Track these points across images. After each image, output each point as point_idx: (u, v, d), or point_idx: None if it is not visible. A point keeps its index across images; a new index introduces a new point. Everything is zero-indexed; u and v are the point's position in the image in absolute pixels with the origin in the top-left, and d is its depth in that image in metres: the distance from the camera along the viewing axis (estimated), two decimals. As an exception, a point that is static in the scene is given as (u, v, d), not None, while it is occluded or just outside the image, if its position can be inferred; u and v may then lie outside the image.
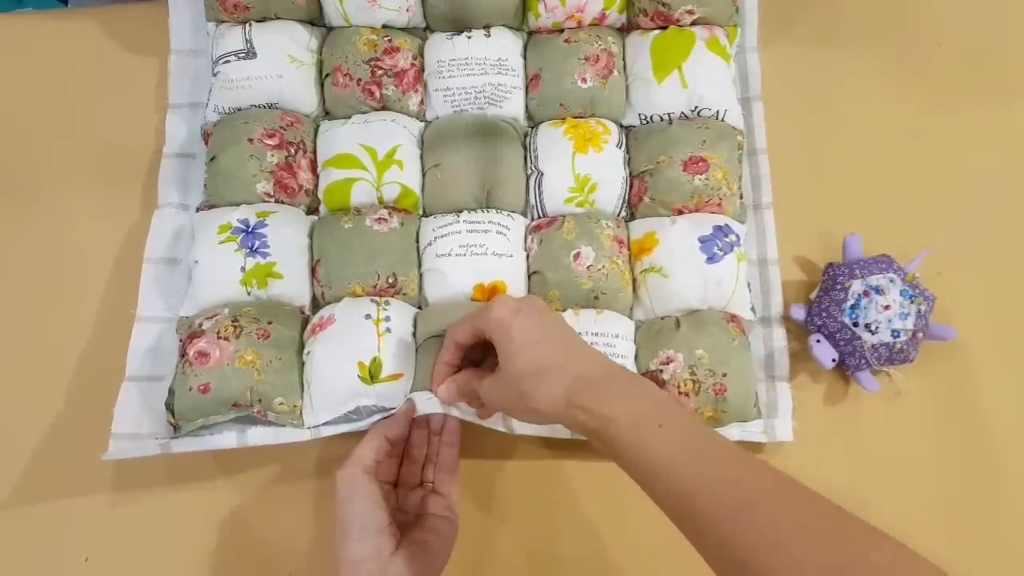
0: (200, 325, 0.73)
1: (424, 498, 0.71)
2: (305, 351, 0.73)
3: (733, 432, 0.74)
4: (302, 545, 0.74)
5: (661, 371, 0.72)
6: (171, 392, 0.72)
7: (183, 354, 0.72)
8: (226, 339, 0.71)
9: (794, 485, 0.53)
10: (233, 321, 0.72)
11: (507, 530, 0.75)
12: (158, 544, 0.75)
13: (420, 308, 0.77)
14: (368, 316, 0.73)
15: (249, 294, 0.75)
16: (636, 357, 0.74)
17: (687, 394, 0.71)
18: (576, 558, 0.74)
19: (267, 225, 0.76)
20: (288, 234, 0.76)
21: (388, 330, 0.73)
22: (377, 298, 0.75)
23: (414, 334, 0.74)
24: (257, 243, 0.75)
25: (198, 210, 0.80)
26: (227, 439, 0.71)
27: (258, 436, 0.72)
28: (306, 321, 0.76)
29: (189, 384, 0.70)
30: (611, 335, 0.73)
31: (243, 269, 0.75)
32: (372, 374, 0.71)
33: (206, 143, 0.81)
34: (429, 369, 0.70)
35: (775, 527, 0.50)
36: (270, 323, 0.73)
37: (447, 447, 0.72)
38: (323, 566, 0.74)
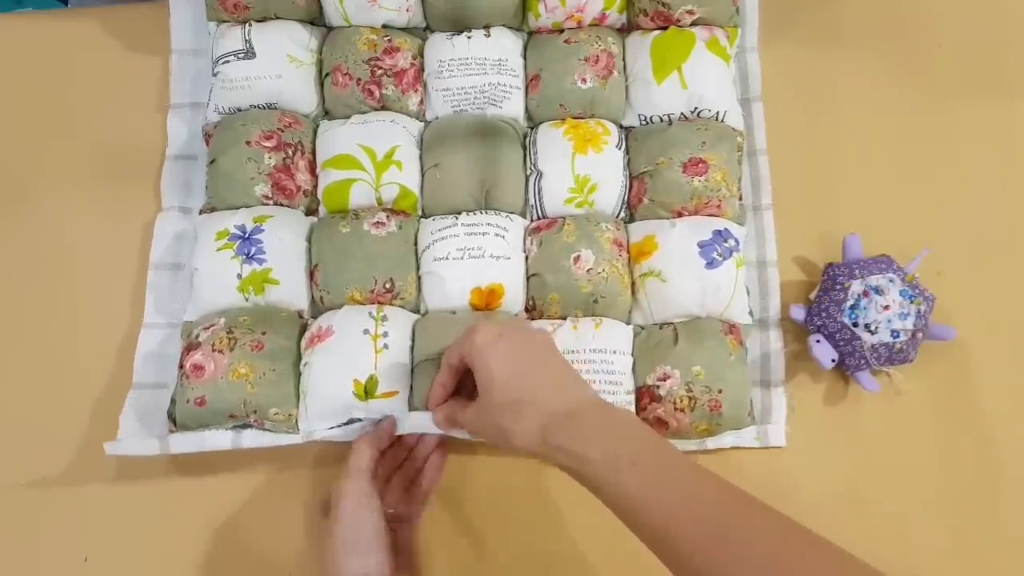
0: (197, 336, 0.73)
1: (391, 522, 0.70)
2: (303, 362, 0.73)
3: (726, 439, 0.74)
4: (302, 543, 0.75)
5: (658, 387, 0.72)
6: (173, 402, 0.73)
7: (181, 365, 0.73)
8: (220, 352, 0.72)
9: (767, 513, 0.54)
10: (228, 333, 0.72)
11: (502, 529, 0.75)
12: (158, 543, 0.75)
13: (419, 312, 0.78)
14: (366, 331, 0.73)
15: (247, 300, 0.75)
16: (634, 369, 0.74)
17: (683, 410, 0.72)
18: (572, 558, 0.75)
19: (264, 231, 0.76)
20: (285, 238, 0.76)
21: (386, 346, 0.73)
22: (375, 311, 0.75)
23: (412, 345, 0.75)
24: (253, 249, 0.75)
25: (200, 212, 0.80)
26: (222, 440, 0.72)
27: (252, 438, 0.73)
28: (304, 327, 0.76)
29: (187, 396, 0.71)
30: (609, 351, 0.73)
31: (240, 276, 0.75)
32: (368, 391, 0.72)
33: (207, 144, 0.81)
34: (425, 389, 0.71)
35: (748, 560, 0.51)
36: (264, 333, 0.73)
37: (428, 482, 0.73)
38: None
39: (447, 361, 0.67)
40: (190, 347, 0.73)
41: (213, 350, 0.72)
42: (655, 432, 0.61)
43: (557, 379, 0.63)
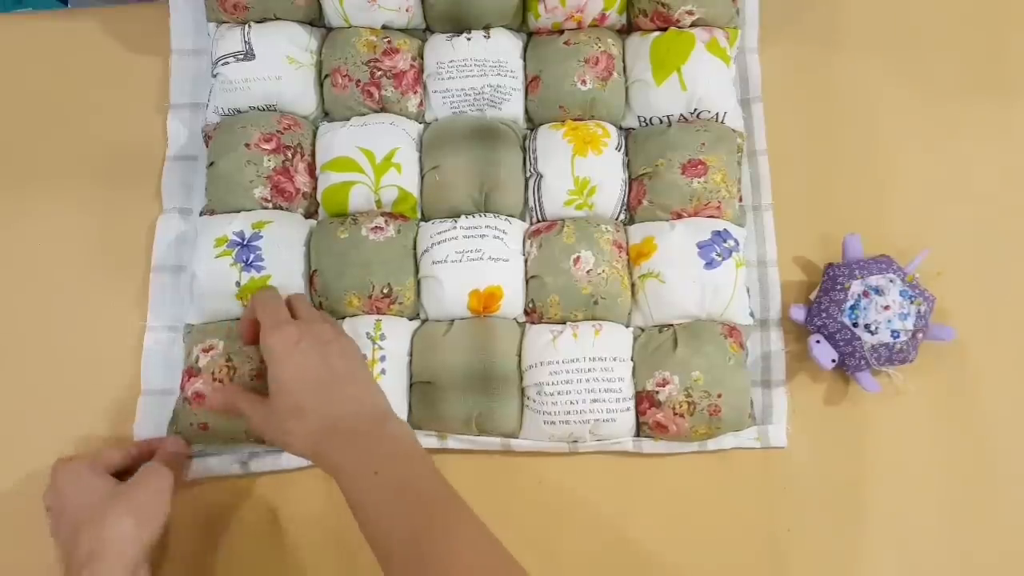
0: (197, 360, 0.74)
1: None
2: None
3: (727, 440, 0.75)
4: (301, 542, 0.75)
5: (657, 392, 0.73)
6: (175, 417, 0.75)
7: (183, 388, 0.74)
8: (221, 382, 0.73)
9: (466, 529, 0.60)
10: (227, 361, 0.73)
11: (506, 529, 0.75)
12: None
13: (418, 317, 0.78)
14: (363, 357, 0.73)
15: (245, 308, 0.75)
16: (634, 374, 0.74)
17: (682, 415, 0.72)
18: (574, 558, 0.75)
19: (262, 237, 0.76)
20: (283, 244, 0.76)
21: (383, 372, 0.74)
22: (372, 329, 0.75)
23: (410, 355, 0.75)
24: (251, 256, 0.75)
25: (201, 214, 0.80)
26: (231, 467, 0.76)
27: (259, 464, 0.75)
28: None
29: (190, 420, 0.74)
30: (609, 359, 0.73)
31: (238, 284, 0.75)
32: None
33: (207, 145, 0.81)
34: (423, 412, 0.74)
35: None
36: (263, 360, 0.73)
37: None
38: (323, 560, 0.74)
39: (247, 318, 0.71)
40: (191, 372, 0.74)
41: (214, 379, 0.73)
42: (417, 446, 0.65)
43: (344, 388, 0.66)
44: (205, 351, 0.74)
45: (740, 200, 0.80)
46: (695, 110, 0.80)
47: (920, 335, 0.74)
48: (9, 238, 0.83)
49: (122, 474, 0.71)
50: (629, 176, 0.80)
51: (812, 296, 0.77)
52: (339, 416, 0.64)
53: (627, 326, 0.77)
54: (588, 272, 0.75)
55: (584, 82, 0.80)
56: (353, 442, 0.63)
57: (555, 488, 0.76)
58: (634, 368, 0.74)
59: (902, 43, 0.87)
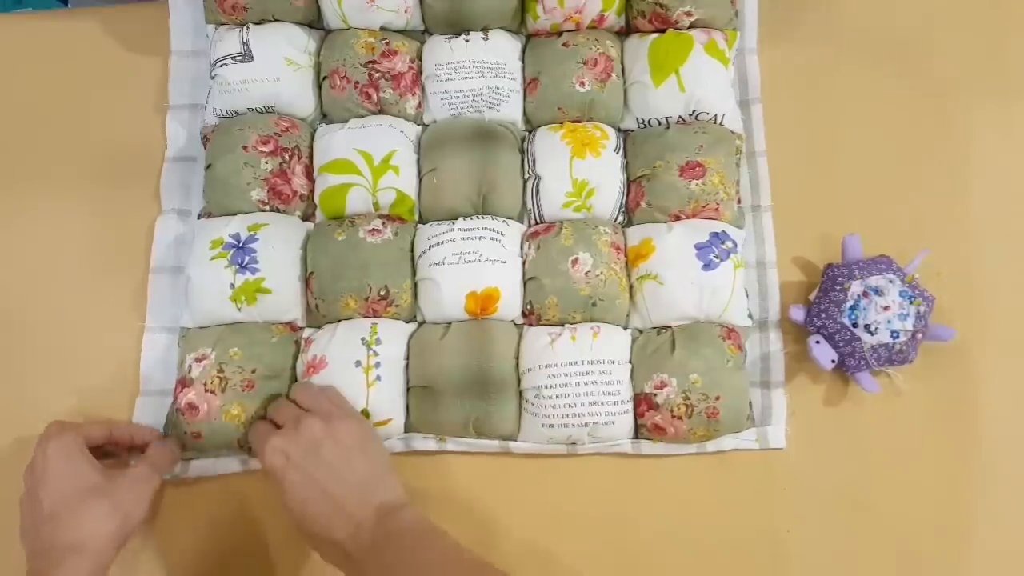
0: (189, 370, 0.74)
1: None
2: None
3: (726, 442, 0.75)
4: (301, 539, 0.75)
5: (655, 395, 0.73)
6: (168, 425, 0.75)
7: (175, 397, 0.74)
8: (212, 392, 0.73)
9: None
10: (219, 371, 0.73)
11: (505, 531, 0.75)
12: (158, 543, 0.76)
13: (415, 319, 0.78)
14: (358, 363, 0.74)
15: (240, 311, 0.76)
16: (632, 376, 0.74)
17: (680, 417, 0.72)
18: (574, 559, 0.75)
19: (258, 239, 0.76)
20: (279, 247, 0.76)
21: (378, 378, 0.74)
22: (368, 334, 0.75)
23: (407, 358, 0.75)
24: (247, 258, 0.75)
25: (199, 217, 0.80)
26: (231, 465, 0.76)
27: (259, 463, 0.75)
28: (298, 343, 0.77)
29: (183, 429, 0.74)
30: (607, 362, 0.73)
31: (232, 286, 0.75)
32: None
33: (205, 147, 0.81)
34: (420, 414, 0.74)
35: None
36: (254, 371, 0.74)
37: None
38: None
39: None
40: (184, 382, 0.74)
41: (205, 390, 0.73)
42: (421, 537, 0.65)
43: (337, 505, 0.65)
44: (198, 360, 0.74)
45: (739, 202, 0.80)
46: (693, 112, 0.80)
47: (920, 335, 0.74)
48: (9, 238, 0.84)
49: (101, 451, 0.73)
50: (627, 178, 0.80)
51: (811, 297, 0.77)
52: (341, 537, 0.64)
53: (625, 328, 0.77)
54: (586, 274, 0.75)
55: (582, 84, 0.80)
56: (368, 547, 0.64)
57: (554, 490, 0.76)
58: (632, 370, 0.74)
59: (902, 43, 0.87)
